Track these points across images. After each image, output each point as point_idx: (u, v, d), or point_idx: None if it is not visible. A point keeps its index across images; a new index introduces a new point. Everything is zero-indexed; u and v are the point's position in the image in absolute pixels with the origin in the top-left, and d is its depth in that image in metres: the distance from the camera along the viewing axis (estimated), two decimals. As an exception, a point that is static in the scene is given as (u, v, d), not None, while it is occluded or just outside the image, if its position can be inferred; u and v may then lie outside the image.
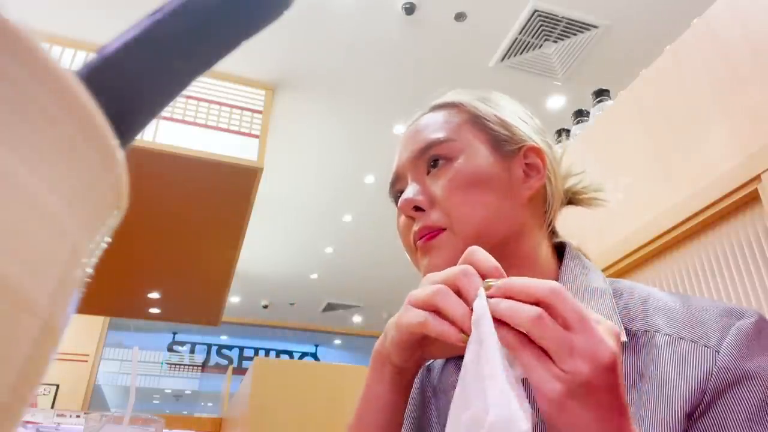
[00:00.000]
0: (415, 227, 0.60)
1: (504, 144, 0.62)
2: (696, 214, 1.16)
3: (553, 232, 0.65)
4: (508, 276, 0.57)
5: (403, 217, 0.63)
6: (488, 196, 0.58)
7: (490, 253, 0.57)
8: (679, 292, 1.27)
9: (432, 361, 0.68)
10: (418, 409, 0.64)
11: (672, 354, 0.50)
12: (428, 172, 0.61)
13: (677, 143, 1.26)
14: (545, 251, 0.62)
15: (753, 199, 1.06)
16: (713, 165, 1.15)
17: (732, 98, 1.13)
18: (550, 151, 0.64)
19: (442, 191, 0.59)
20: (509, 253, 0.58)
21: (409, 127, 0.68)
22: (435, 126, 0.63)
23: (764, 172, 1.02)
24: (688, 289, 1.21)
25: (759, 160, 1.03)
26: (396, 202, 0.66)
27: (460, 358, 0.64)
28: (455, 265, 0.56)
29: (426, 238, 0.59)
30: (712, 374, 0.47)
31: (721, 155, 1.14)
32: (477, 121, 0.62)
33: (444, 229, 0.58)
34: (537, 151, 0.62)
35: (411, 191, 0.61)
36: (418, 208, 0.60)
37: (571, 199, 0.68)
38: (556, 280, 0.56)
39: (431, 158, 0.61)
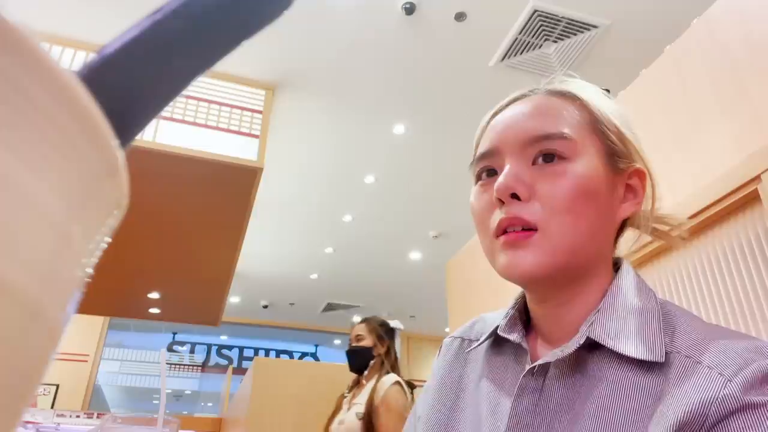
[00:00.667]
0: (503, 213, 0.55)
1: (617, 159, 0.58)
2: (696, 214, 1.16)
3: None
4: (557, 295, 0.57)
5: (486, 196, 0.58)
6: (591, 210, 0.55)
7: (564, 270, 0.55)
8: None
9: (472, 348, 0.68)
10: (451, 398, 0.65)
11: (685, 375, 0.49)
12: (534, 162, 0.56)
13: (677, 143, 1.26)
14: (605, 269, 0.60)
15: (753, 199, 1.06)
16: (713, 165, 1.15)
17: (732, 98, 1.13)
18: (650, 175, 0.60)
19: (549, 189, 0.54)
20: (576, 274, 0.56)
21: (518, 103, 0.61)
22: (555, 116, 0.57)
23: (764, 172, 1.02)
24: (688, 289, 1.21)
25: (759, 160, 1.03)
26: (476, 176, 0.61)
27: (500, 344, 0.63)
28: (537, 271, 0.54)
29: (518, 235, 0.54)
30: (717, 399, 0.46)
31: (721, 155, 1.14)
32: (597, 126, 0.58)
33: (536, 230, 0.54)
34: (641, 175, 0.59)
35: (512, 176, 0.55)
36: (515, 196, 0.55)
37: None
38: (603, 296, 0.56)
39: (546, 150, 0.55)
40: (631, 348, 0.52)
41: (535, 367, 0.55)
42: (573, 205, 0.54)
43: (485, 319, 0.71)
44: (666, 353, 0.51)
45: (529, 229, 0.54)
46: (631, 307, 0.55)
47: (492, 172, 0.59)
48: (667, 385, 0.49)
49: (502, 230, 0.55)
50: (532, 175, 0.55)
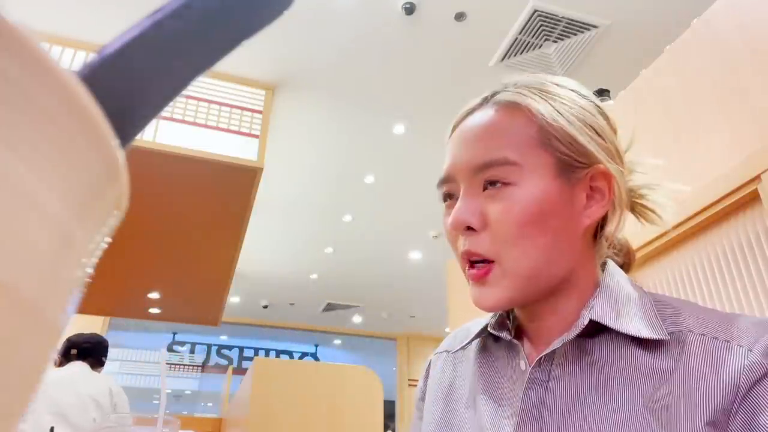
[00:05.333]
0: (463, 247, 0.57)
1: (571, 170, 0.56)
2: (696, 214, 1.16)
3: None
4: (543, 301, 0.58)
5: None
6: (545, 236, 0.54)
7: (530, 294, 0.56)
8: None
9: (460, 348, 0.69)
10: (444, 405, 0.65)
11: (704, 351, 0.51)
12: (485, 188, 0.56)
13: (677, 143, 1.26)
14: (590, 274, 0.59)
15: (753, 199, 1.06)
16: (713, 165, 1.15)
17: (732, 98, 1.13)
18: (621, 175, 0.58)
19: (497, 219, 0.54)
20: (548, 291, 0.57)
21: (466, 121, 0.61)
22: (501, 137, 0.56)
23: (764, 172, 1.02)
24: (689, 289, 1.21)
25: (759, 160, 1.03)
26: (443, 198, 0.62)
27: (489, 345, 0.65)
28: (501, 305, 0.56)
29: (478, 274, 0.55)
30: (744, 369, 0.48)
31: (721, 155, 1.14)
32: (545, 139, 0.55)
33: (493, 262, 0.55)
34: (606, 176, 0.56)
35: (463, 210, 0.56)
36: (470, 228, 0.56)
37: (632, 206, 0.63)
38: (593, 297, 0.57)
39: (491, 178, 0.55)
40: (634, 328, 0.53)
41: (541, 357, 0.55)
42: (522, 232, 0.54)
43: (467, 327, 0.72)
44: (677, 332, 0.53)
45: (487, 261, 0.55)
46: (626, 294, 0.57)
47: (452, 196, 0.61)
48: (685, 363, 0.51)
49: (467, 261, 0.57)
50: (483, 202, 0.56)
